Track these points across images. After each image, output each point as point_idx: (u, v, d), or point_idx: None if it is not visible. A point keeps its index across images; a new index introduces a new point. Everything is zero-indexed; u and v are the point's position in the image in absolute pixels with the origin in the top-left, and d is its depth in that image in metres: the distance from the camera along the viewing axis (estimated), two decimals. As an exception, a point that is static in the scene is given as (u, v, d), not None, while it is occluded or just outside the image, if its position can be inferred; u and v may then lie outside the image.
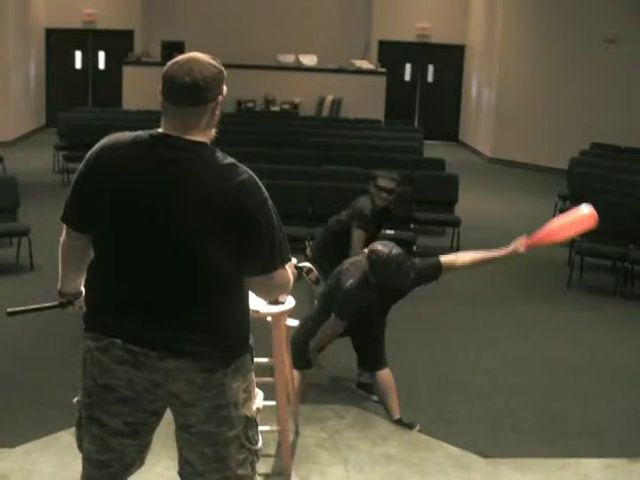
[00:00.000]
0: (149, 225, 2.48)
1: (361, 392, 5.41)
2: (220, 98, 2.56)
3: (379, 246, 4.52)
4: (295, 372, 4.73)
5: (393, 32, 18.78)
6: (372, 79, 18.14)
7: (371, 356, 4.84)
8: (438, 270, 4.56)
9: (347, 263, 4.82)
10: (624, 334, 6.98)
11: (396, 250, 4.48)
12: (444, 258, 4.58)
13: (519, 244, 4.39)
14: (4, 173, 11.25)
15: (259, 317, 3.71)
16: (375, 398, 5.26)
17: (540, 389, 5.73)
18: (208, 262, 2.48)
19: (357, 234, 5.50)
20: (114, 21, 18.05)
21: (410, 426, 4.75)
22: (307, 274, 3.43)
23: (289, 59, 18.24)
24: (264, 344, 4.06)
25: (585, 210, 4.27)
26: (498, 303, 7.67)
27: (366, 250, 4.61)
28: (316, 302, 4.92)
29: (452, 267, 4.59)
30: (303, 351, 4.74)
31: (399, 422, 4.76)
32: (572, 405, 5.47)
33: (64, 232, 2.69)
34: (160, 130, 2.54)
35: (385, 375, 4.79)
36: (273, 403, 3.97)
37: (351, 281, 4.58)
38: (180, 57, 2.55)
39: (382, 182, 5.56)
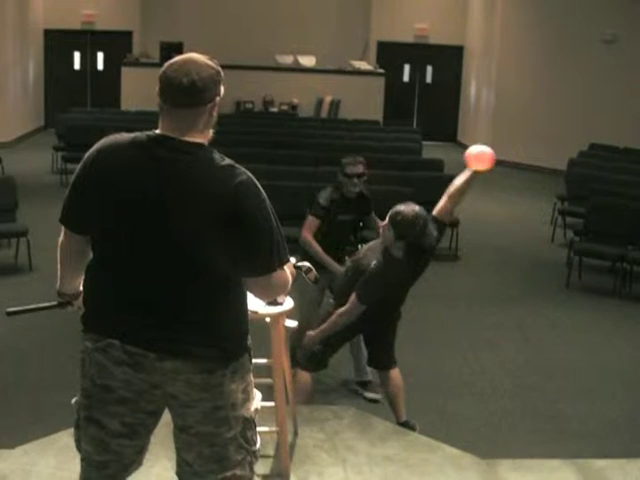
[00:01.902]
0: (147, 226, 2.47)
1: (356, 387, 5.44)
2: (217, 99, 2.55)
3: (401, 207, 4.44)
4: (305, 374, 4.72)
5: (392, 33, 18.79)
6: (371, 80, 18.15)
7: (384, 354, 4.80)
8: (441, 223, 4.56)
9: (362, 250, 4.76)
10: (623, 335, 6.98)
11: (418, 207, 4.42)
12: (436, 211, 4.58)
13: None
14: (3, 174, 11.26)
15: (258, 318, 3.71)
16: (369, 395, 5.29)
17: (539, 390, 5.73)
18: (206, 263, 2.48)
19: (307, 219, 5.45)
20: (113, 22, 18.05)
21: (413, 428, 4.74)
22: (306, 274, 3.44)
23: (288, 60, 18.25)
24: (263, 345, 4.07)
25: (477, 149, 4.45)
26: (497, 303, 7.67)
27: (384, 223, 4.51)
28: (331, 300, 4.86)
29: (449, 209, 4.57)
30: (315, 353, 4.71)
31: (404, 424, 4.75)
32: (571, 406, 5.47)
33: (62, 233, 2.69)
34: (158, 131, 2.53)
35: (397, 375, 4.78)
36: (272, 404, 3.97)
37: (374, 262, 4.47)
38: (177, 58, 2.55)
39: (350, 169, 5.43)
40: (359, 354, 5.40)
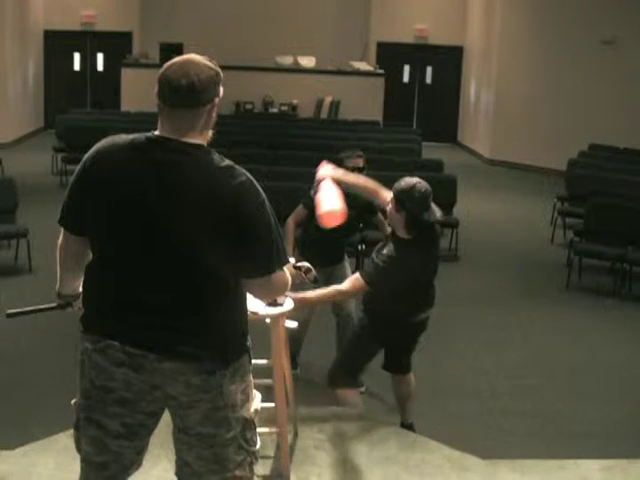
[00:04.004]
0: (146, 228, 2.47)
1: None
2: (217, 100, 2.55)
3: (405, 177, 4.37)
4: (347, 391, 4.67)
5: (391, 33, 18.79)
6: (370, 80, 18.16)
7: (403, 361, 4.71)
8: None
9: (375, 249, 4.55)
10: (623, 335, 6.98)
11: (424, 183, 4.31)
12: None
13: None
14: (2, 175, 11.26)
15: (258, 319, 3.71)
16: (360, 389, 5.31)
17: (539, 390, 5.73)
18: (206, 264, 2.48)
19: (297, 208, 5.48)
20: (113, 23, 18.06)
21: (414, 429, 4.73)
22: (305, 274, 3.44)
23: (288, 61, 18.25)
24: (263, 346, 4.06)
25: (326, 206, 4.23)
26: (497, 304, 7.67)
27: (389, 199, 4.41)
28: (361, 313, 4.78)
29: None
30: (355, 368, 4.65)
31: (409, 426, 4.73)
32: (571, 406, 5.47)
33: (61, 235, 2.69)
34: (157, 132, 2.53)
35: (411, 379, 4.74)
36: (272, 405, 3.97)
37: (386, 249, 4.30)
38: (176, 59, 2.55)
39: (350, 162, 5.39)
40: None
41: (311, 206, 5.40)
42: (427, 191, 4.30)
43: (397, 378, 4.77)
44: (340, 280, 5.42)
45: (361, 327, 4.58)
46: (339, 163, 5.42)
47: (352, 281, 4.32)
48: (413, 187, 4.26)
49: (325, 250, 5.36)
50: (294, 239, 5.51)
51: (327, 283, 5.47)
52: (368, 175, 5.54)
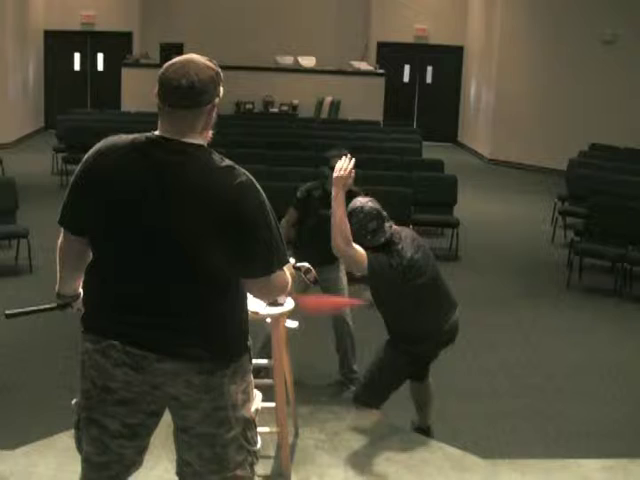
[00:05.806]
0: (147, 228, 2.47)
1: (343, 380, 5.41)
2: (217, 100, 2.56)
3: (358, 199, 4.45)
4: (373, 412, 4.66)
5: (392, 33, 18.79)
6: (371, 80, 18.16)
7: (423, 371, 4.67)
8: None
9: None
10: (623, 335, 6.98)
11: (372, 203, 4.37)
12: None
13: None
14: (3, 175, 11.26)
15: (258, 319, 3.71)
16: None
17: (539, 390, 5.73)
18: (206, 265, 2.48)
19: (289, 210, 5.47)
20: (113, 23, 18.05)
21: (432, 433, 4.71)
22: (305, 274, 3.44)
23: (288, 61, 18.25)
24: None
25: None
26: (498, 304, 7.67)
27: None
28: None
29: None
30: (379, 390, 4.61)
31: (426, 430, 4.72)
32: (572, 406, 5.47)
33: (61, 235, 2.69)
34: (157, 133, 2.53)
35: (430, 385, 4.71)
36: (272, 404, 3.97)
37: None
38: (176, 59, 2.55)
39: (336, 162, 5.40)
40: (347, 351, 5.40)
41: (301, 207, 5.39)
42: (368, 214, 4.33)
43: (417, 384, 4.71)
44: (333, 282, 5.41)
45: (388, 353, 4.54)
46: (326, 162, 5.41)
47: (361, 252, 4.28)
48: (357, 205, 4.38)
49: (318, 251, 5.35)
50: (287, 240, 5.52)
51: (320, 284, 5.46)
52: (357, 174, 5.52)
